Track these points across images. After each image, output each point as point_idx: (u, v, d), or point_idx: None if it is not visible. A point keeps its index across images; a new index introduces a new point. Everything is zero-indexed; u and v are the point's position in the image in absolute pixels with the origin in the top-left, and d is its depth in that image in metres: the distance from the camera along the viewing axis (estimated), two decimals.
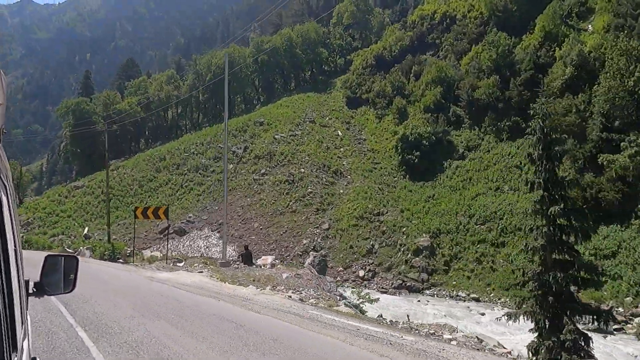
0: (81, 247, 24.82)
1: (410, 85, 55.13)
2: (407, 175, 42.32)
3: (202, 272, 18.30)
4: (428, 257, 30.11)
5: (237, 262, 23.95)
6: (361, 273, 30.75)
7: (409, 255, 31.00)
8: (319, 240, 35.11)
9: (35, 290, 2.72)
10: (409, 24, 66.58)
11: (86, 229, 39.50)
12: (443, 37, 58.83)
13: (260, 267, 22.45)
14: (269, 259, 23.90)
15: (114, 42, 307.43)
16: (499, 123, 41.46)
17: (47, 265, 2.75)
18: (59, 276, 2.82)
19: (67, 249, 23.94)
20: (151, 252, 36.46)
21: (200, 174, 46.82)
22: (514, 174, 35.45)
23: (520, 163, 36.00)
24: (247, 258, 23.66)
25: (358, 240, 34.17)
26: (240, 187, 43.86)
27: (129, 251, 26.36)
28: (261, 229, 37.95)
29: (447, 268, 29.51)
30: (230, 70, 67.34)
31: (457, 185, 37.63)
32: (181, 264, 21.52)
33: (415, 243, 31.27)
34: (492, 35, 47.15)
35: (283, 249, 35.29)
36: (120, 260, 24.23)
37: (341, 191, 41.63)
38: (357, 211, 36.91)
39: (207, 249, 36.21)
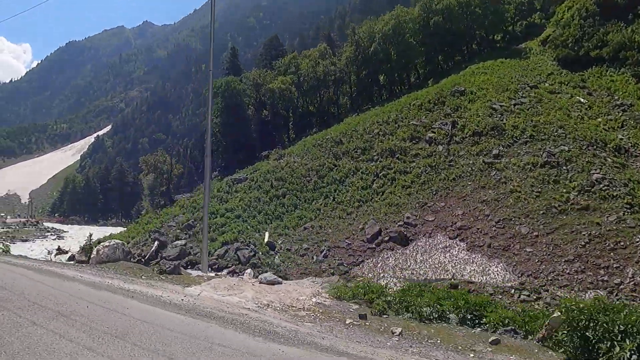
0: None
1: None
2: None
3: None
4: None
5: None
6: None
7: None
8: None
9: None
10: None
11: (266, 234, 28.36)
12: None
13: None
14: None
15: (225, 52, 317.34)
16: None
17: None
18: None
19: None
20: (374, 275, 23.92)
21: (398, 159, 33.98)
22: None
23: None
24: None
25: None
26: (466, 174, 30.08)
27: None
28: (535, 235, 23.65)
29: None
30: (396, 40, 54.76)
31: None
32: None
33: None
34: None
35: (600, 276, 20.54)
36: None
37: None
38: None
39: (458, 268, 22.78)
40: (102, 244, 16.80)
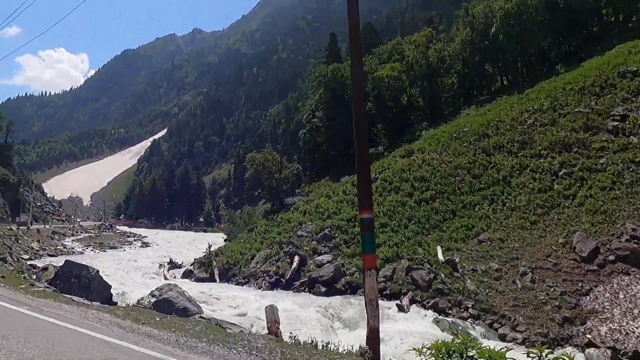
0: None
1: None
2: None
3: None
4: None
5: None
6: None
7: None
8: None
9: None
10: None
11: (439, 249, 22.15)
12: None
13: None
14: None
15: (276, 55, 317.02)
16: None
17: None
18: None
19: None
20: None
21: (577, 153, 26.96)
22: None
23: None
24: None
25: None
26: None
27: None
28: None
29: None
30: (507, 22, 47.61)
31: None
32: None
33: None
34: None
35: None
36: None
37: None
38: None
39: None
40: None
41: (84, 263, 16.49)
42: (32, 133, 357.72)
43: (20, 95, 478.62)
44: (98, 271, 14.71)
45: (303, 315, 14.19)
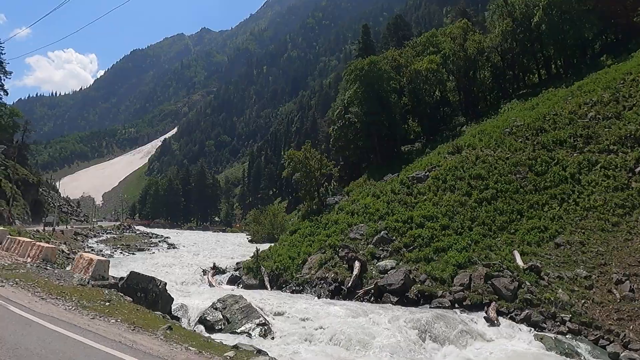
0: None
1: None
2: None
3: None
4: None
5: None
6: None
7: None
8: None
9: None
10: None
11: (517, 254, 20.13)
12: None
13: None
14: None
15: (286, 53, 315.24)
16: None
17: None
18: None
19: None
20: None
21: None
22: None
23: None
24: None
25: None
26: None
27: None
28: None
29: None
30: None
31: None
32: None
33: None
34: None
35: None
36: None
37: None
38: None
39: None
40: None
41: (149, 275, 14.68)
42: (43, 133, 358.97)
43: (30, 96, 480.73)
44: (165, 284, 12.89)
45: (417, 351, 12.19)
